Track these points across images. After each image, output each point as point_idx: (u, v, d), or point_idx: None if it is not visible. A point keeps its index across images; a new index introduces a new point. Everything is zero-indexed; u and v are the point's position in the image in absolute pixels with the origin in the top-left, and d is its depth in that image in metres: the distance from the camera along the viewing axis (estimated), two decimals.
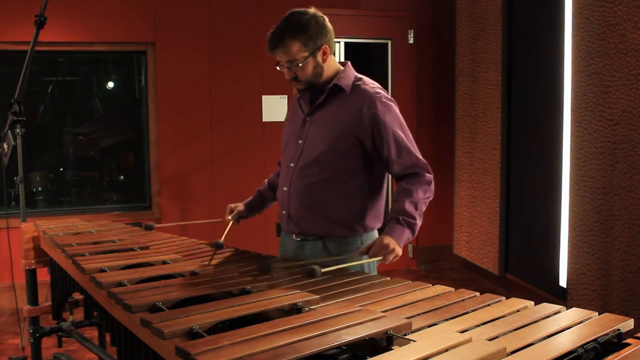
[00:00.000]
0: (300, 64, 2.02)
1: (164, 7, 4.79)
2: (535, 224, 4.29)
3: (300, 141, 2.15)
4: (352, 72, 2.15)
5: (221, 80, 4.95)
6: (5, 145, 2.86)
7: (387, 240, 1.96)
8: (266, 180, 2.45)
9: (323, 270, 1.78)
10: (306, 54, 2.02)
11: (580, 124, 3.61)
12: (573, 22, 3.67)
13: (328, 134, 2.08)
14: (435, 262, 5.70)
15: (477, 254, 5.05)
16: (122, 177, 5.35)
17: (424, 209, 2.08)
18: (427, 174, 2.10)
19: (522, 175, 4.49)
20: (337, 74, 2.12)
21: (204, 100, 4.93)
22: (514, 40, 4.53)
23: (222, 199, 4.50)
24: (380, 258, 1.95)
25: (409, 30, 5.45)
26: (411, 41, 5.46)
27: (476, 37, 4.92)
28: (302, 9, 2.06)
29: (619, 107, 3.33)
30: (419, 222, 2.05)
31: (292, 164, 2.16)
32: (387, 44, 5.45)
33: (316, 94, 2.14)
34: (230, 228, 2.27)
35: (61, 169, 5.22)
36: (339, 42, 5.30)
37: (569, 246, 3.74)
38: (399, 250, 1.97)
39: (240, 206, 2.36)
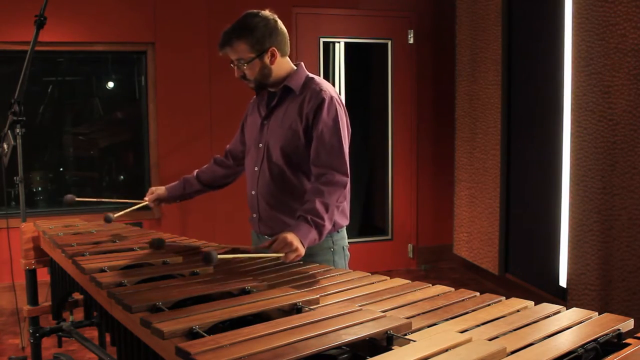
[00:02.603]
0: (247, 64, 2.10)
1: (163, 7, 4.79)
2: (535, 224, 4.29)
3: (260, 145, 2.21)
4: (303, 73, 2.19)
5: (221, 80, 4.94)
6: (5, 145, 2.86)
7: (291, 237, 1.86)
8: (195, 171, 2.53)
9: (220, 256, 1.71)
10: (252, 55, 2.09)
11: (580, 124, 3.61)
12: (573, 22, 3.67)
13: (282, 135, 2.13)
14: (435, 262, 5.70)
15: (477, 254, 5.05)
16: (122, 177, 5.35)
17: (335, 213, 2.04)
18: (343, 177, 2.05)
19: (522, 175, 4.49)
20: (289, 75, 2.16)
21: (204, 100, 4.93)
22: (514, 40, 4.53)
23: (222, 198, 4.49)
24: (281, 255, 1.85)
25: (409, 30, 5.45)
26: (411, 41, 5.46)
27: (476, 37, 4.92)
28: (255, 11, 2.12)
29: (619, 107, 3.33)
30: (327, 225, 1.98)
31: (256, 168, 2.22)
32: (387, 44, 5.45)
33: (271, 97, 2.21)
34: (140, 207, 2.42)
35: (61, 169, 5.22)
36: (339, 42, 5.30)
37: (569, 246, 3.74)
38: (302, 250, 1.89)
39: (161, 189, 2.47)
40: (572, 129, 3.69)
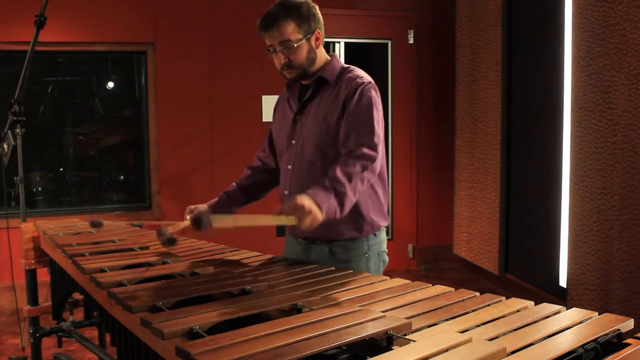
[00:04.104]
0: (295, 45, 1.96)
1: (164, 7, 4.79)
2: (535, 224, 4.29)
3: (293, 141, 2.08)
4: (338, 63, 2.08)
5: (221, 80, 4.95)
6: (5, 145, 2.86)
7: (303, 200, 1.67)
8: (234, 183, 2.30)
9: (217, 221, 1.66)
10: (300, 35, 1.96)
11: (580, 124, 3.61)
12: (573, 22, 3.67)
13: (317, 130, 2.00)
14: (435, 262, 5.70)
15: (477, 254, 5.05)
16: (122, 177, 5.35)
17: (359, 186, 1.83)
18: (371, 151, 1.89)
19: (522, 175, 4.49)
20: (323, 66, 2.06)
21: (204, 100, 4.93)
22: (514, 40, 4.53)
23: None
24: (292, 220, 1.63)
25: (409, 30, 5.45)
26: (411, 41, 5.46)
27: (476, 37, 4.92)
28: None
29: (619, 107, 3.33)
30: (350, 195, 1.78)
31: (289, 166, 2.09)
32: (387, 44, 5.45)
33: (303, 91, 2.09)
34: (184, 227, 2.04)
35: (61, 169, 5.22)
36: (339, 42, 5.30)
37: (569, 246, 3.74)
38: (319, 215, 1.68)
39: (202, 207, 2.16)
40: (572, 129, 3.69)
